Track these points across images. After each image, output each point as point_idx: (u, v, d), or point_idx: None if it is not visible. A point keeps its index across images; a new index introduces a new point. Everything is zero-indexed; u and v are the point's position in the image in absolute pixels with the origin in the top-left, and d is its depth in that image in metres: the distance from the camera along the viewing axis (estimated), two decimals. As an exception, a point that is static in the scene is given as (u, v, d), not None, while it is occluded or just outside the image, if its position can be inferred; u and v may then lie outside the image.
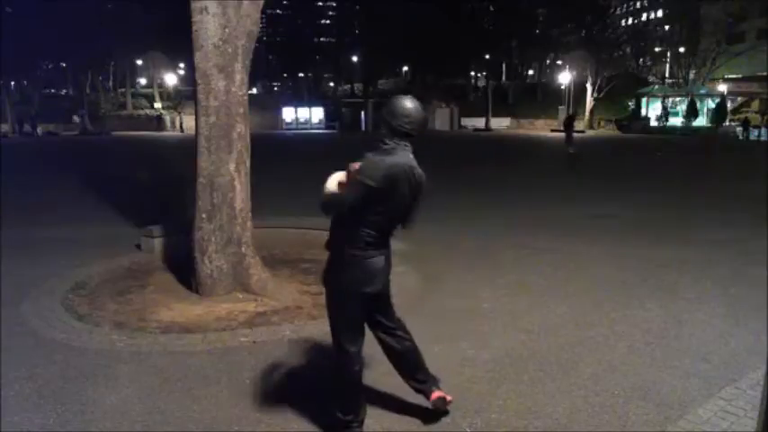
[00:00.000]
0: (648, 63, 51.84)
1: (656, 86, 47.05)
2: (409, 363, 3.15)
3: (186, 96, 48.87)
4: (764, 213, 8.88)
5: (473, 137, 37.62)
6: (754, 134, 33.80)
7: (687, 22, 43.39)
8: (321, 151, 27.37)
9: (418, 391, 3.18)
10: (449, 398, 3.17)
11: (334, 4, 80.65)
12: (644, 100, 44.52)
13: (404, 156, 2.79)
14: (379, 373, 3.46)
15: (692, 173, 17.15)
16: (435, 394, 3.13)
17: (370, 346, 3.13)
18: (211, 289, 5.28)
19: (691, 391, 3.51)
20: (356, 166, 2.75)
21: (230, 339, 4.32)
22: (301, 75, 71.87)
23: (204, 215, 5.28)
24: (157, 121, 44.76)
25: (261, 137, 15.30)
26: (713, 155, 23.77)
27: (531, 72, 67.52)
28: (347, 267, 2.81)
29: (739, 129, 35.75)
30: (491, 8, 58.36)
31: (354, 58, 60.47)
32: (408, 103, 2.83)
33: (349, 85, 70.10)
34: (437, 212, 7.93)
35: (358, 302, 2.87)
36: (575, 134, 21.52)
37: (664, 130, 39.89)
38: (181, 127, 43.73)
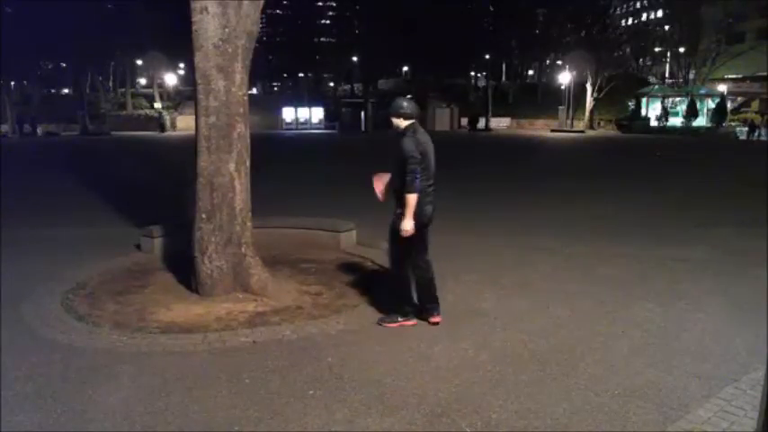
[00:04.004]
0: (648, 63, 51.77)
1: (656, 86, 46.98)
2: (420, 289, 4.61)
3: (186, 96, 48.80)
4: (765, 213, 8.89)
5: (473, 136, 37.61)
6: (753, 134, 33.83)
7: (687, 21, 43.30)
8: (321, 152, 27.40)
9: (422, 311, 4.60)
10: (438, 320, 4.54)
11: (334, 5, 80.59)
12: (644, 100, 44.44)
13: (421, 133, 4.38)
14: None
15: (693, 173, 17.14)
16: (433, 319, 4.55)
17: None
18: (211, 289, 5.27)
19: (691, 391, 3.52)
20: (382, 177, 4.55)
21: (230, 339, 4.32)
22: (301, 75, 71.80)
23: (204, 215, 5.28)
24: (160, 121, 44.29)
25: (261, 137, 15.31)
26: (717, 155, 23.76)
27: (531, 72, 67.42)
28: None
29: (740, 129, 35.73)
30: (491, 8, 58.31)
31: (354, 58, 60.38)
32: (404, 101, 4.50)
33: (349, 85, 70.01)
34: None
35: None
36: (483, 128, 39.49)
37: (664, 130, 39.87)
38: (162, 127, 42.24)
